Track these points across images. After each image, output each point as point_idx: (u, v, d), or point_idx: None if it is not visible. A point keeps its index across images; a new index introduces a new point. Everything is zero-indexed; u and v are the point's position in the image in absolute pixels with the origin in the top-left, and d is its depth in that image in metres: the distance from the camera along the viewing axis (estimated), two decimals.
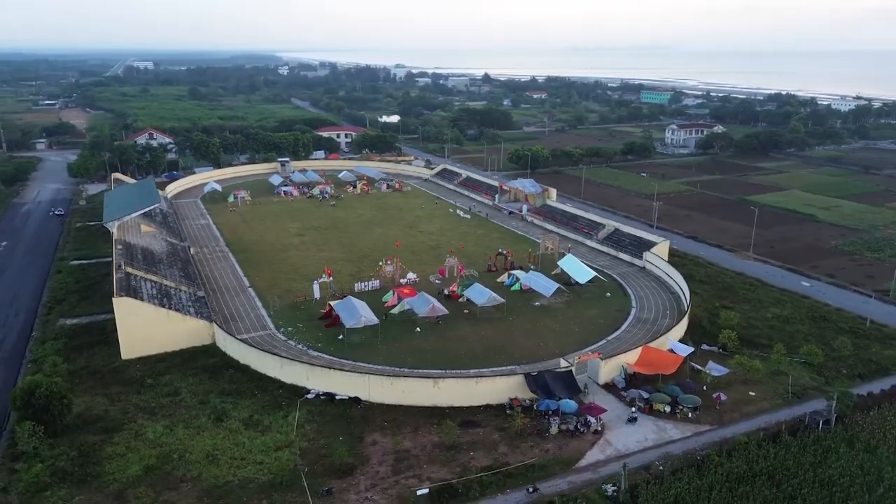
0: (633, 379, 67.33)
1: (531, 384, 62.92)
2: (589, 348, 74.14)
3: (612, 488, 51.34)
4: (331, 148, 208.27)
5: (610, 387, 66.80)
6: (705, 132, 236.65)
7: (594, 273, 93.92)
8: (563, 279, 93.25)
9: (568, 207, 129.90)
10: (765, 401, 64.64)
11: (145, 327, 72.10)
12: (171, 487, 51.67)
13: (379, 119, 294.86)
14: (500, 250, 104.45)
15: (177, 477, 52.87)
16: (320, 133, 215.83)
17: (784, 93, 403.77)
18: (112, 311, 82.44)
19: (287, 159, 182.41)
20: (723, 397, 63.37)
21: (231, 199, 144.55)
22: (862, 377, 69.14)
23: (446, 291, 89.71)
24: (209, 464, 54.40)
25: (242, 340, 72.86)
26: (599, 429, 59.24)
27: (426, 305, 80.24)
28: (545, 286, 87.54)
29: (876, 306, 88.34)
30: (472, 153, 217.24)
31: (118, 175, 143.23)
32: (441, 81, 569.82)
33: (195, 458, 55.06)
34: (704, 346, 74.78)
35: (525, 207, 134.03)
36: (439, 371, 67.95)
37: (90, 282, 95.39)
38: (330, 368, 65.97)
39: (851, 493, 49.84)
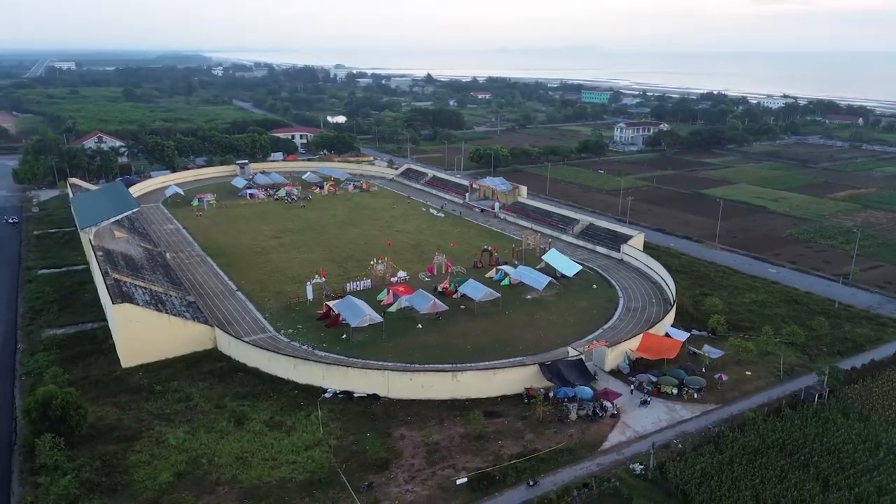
0: (636, 364, 70.46)
1: (546, 373, 65.04)
2: (588, 337, 77.07)
3: (640, 467, 53.99)
4: (288, 149, 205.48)
5: (615, 373, 69.68)
6: (651, 130, 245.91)
7: (580, 266, 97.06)
8: (549, 273, 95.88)
9: (539, 204, 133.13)
10: (760, 379, 68.92)
11: (146, 334, 70.33)
12: (208, 491, 51.13)
13: (330, 120, 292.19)
14: (485, 247, 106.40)
15: (211, 481, 52.31)
16: (277, 134, 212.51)
17: (715, 92, 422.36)
18: (99, 320, 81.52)
19: (246, 161, 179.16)
20: (724, 378, 67.23)
21: (195, 202, 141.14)
22: (841, 354, 74.52)
23: (439, 288, 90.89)
24: (241, 466, 54.02)
25: (251, 343, 72.02)
26: (616, 412, 61.90)
27: (427, 302, 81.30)
28: (537, 280, 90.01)
29: (839, 289, 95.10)
30: (431, 153, 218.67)
31: (75, 180, 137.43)
32: (384, 82, 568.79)
33: (225, 462, 54.55)
34: (695, 331, 78.78)
35: (497, 205, 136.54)
36: (450, 365, 69.17)
37: (67, 291, 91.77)
38: (347, 366, 66.20)
39: (856, 458, 54.18)
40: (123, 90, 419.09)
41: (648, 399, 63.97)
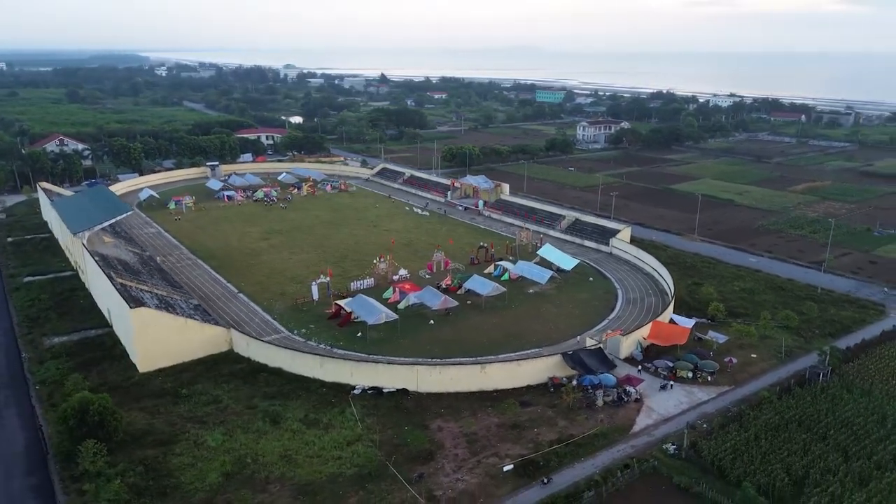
0: (647, 351, 73.53)
1: (569, 362, 67.30)
2: (597, 327, 79.92)
3: (673, 447, 56.75)
4: (257, 150, 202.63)
5: (629, 360, 72.51)
6: (612, 128, 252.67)
7: (578, 260, 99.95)
8: (545, 267, 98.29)
9: (523, 201, 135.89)
10: (764, 361, 72.95)
11: (163, 338, 69.34)
12: (260, 489, 51.27)
13: (290, 121, 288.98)
14: (481, 243, 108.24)
15: (260, 479, 52.44)
16: (245, 136, 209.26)
17: (664, 91, 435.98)
18: (101, 326, 79.85)
19: (216, 163, 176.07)
20: (734, 361, 70.94)
21: (172, 205, 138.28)
22: (832, 335, 79.45)
23: (443, 285, 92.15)
24: (287, 464, 54.29)
25: (274, 343, 71.88)
26: (639, 397, 64.64)
27: (438, 299, 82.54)
28: (539, 274, 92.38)
29: (817, 275, 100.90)
30: (399, 152, 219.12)
31: (46, 185, 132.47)
32: (336, 82, 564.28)
33: (270, 461, 54.69)
34: (695, 319, 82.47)
35: (481, 203, 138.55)
36: (471, 358, 70.70)
37: (60, 298, 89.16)
38: (376, 362, 66.93)
39: (867, 429, 58.33)
40: (67, 91, 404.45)
41: (671, 384, 66.93)
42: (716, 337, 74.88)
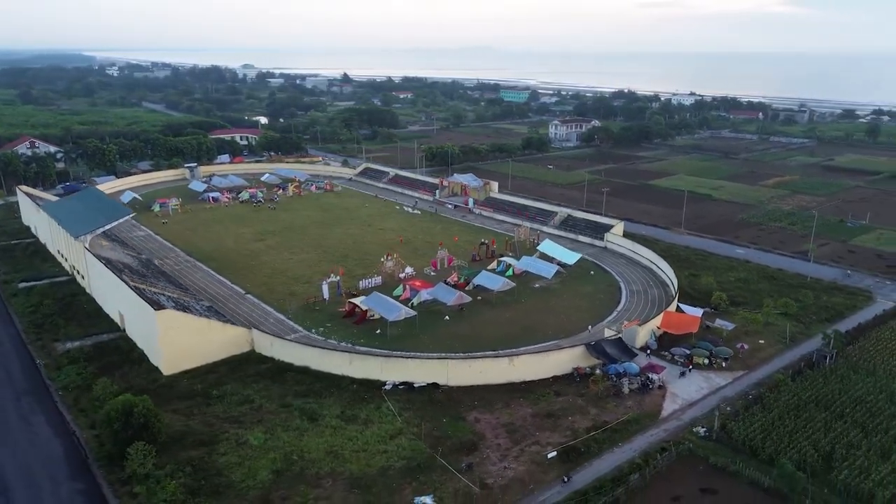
0: (660, 339, 76.24)
1: (593, 352, 69.41)
2: (608, 318, 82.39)
3: (703, 430, 59.33)
4: (234, 151, 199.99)
5: (644, 349, 75.06)
6: (584, 127, 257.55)
7: (580, 255, 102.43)
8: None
9: (514, 198, 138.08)
10: (770, 347, 76.45)
11: (187, 340, 68.81)
12: (313, 485, 51.74)
13: (261, 121, 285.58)
14: (482, 240, 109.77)
15: (311, 474, 52.89)
16: (220, 136, 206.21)
17: (626, 90, 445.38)
18: (112, 331, 78.59)
19: (195, 164, 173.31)
20: (745, 347, 74.22)
21: (157, 207, 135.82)
22: (828, 321, 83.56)
23: (450, 281, 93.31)
24: (334, 459, 54.81)
25: (300, 342, 72.03)
26: (662, 384, 67.15)
27: (452, 295, 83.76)
28: (545, 269, 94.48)
29: (804, 265, 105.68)
30: (376, 152, 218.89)
31: (25, 188, 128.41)
32: (298, 82, 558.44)
33: (316, 457, 55.12)
34: (702, 308, 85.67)
35: (472, 201, 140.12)
36: (492, 352, 72.19)
37: (62, 303, 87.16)
38: (406, 358, 67.79)
39: (879, 406, 61.99)
40: (20, 92, 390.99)
41: (689, 369, 69.72)
42: (724, 325, 78.12)
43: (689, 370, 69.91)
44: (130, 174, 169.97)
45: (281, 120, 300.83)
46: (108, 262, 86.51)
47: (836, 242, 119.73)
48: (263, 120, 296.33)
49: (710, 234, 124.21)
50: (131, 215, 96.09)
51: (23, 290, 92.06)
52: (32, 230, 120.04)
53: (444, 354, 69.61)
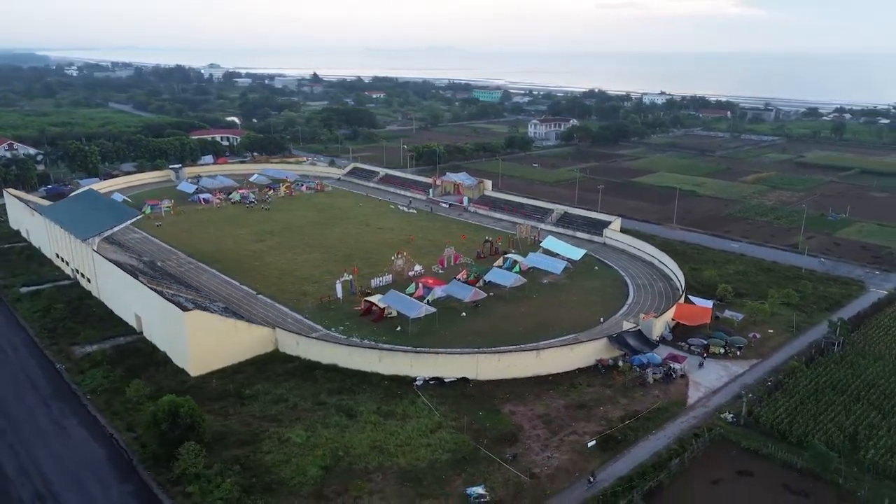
0: (674, 330, 78.61)
1: (615, 344, 71.31)
2: (621, 311, 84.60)
3: (731, 416, 61.64)
4: (217, 152, 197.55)
5: (660, 339, 77.33)
6: (562, 126, 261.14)
7: (584, 251, 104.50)
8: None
9: (509, 196, 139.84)
10: (779, 336, 79.48)
11: (214, 340, 68.53)
12: (363, 479, 52.28)
13: (236, 121, 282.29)
14: (486, 238, 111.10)
15: (359, 469, 53.47)
16: (202, 136, 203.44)
17: (596, 90, 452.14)
18: (129, 334, 77.75)
19: (179, 165, 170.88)
20: (757, 336, 77.05)
21: (148, 209, 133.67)
22: (828, 310, 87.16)
23: (461, 278, 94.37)
24: (380, 454, 55.45)
25: (328, 340, 72.30)
26: (683, 373, 69.38)
27: (468, 292, 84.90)
28: (554, 265, 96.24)
29: (796, 257, 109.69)
30: (360, 151, 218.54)
31: (13, 191, 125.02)
32: (267, 82, 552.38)
33: (362, 452, 55.69)
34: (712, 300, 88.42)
35: (467, 199, 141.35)
36: (516, 346, 73.57)
37: (70, 307, 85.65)
38: (436, 353, 68.66)
39: (892, 389, 65.20)
40: None
41: (704, 357, 72.22)
42: (734, 315, 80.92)
43: (705, 359, 72.31)
44: (113, 176, 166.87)
45: (254, 120, 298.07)
46: (117, 265, 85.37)
47: (821, 235, 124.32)
48: (237, 121, 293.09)
49: (701, 229, 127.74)
50: (139, 216, 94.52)
51: (26, 294, 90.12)
52: (23, 234, 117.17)
53: (473, 349, 70.67)
